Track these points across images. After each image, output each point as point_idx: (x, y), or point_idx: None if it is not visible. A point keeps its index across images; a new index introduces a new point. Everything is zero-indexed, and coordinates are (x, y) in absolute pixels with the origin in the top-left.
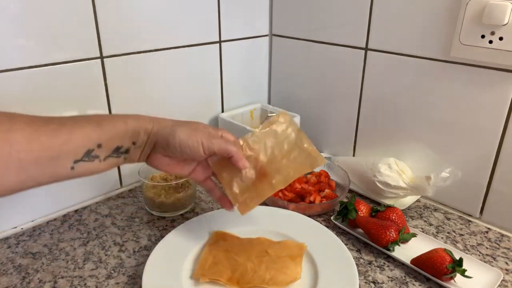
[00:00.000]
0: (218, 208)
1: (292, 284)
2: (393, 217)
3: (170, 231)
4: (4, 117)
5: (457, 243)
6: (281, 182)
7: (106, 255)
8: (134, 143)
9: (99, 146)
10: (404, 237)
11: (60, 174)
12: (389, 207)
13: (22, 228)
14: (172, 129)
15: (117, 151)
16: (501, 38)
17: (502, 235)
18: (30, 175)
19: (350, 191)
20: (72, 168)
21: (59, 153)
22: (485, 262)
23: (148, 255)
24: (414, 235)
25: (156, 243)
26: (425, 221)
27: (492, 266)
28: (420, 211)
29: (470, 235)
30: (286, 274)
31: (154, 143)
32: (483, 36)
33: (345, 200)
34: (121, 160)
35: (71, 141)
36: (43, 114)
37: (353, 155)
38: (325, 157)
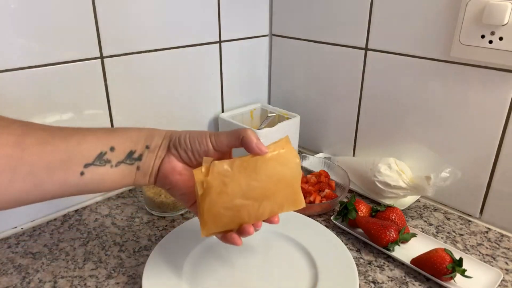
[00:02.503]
0: None
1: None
2: (393, 217)
3: (170, 231)
4: (18, 123)
5: (457, 243)
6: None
7: (106, 255)
8: (147, 147)
9: (112, 149)
10: (404, 237)
11: (69, 181)
12: (389, 207)
13: (22, 228)
14: (186, 131)
15: (130, 156)
16: (501, 38)
17: (502, 235)
18: (37, 183)
19: (350, 191)
20: (82, 173)
21: (71, 155)
22: (485, 262)
23: (148, 255)
24: (414, 235)
25: (156, 243)
26: (425, 221)
27: (492, 266)
28: (420, 211)
29: (470, 235)
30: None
31: (167, 146)
32: (483, 36)
33: (345, 200)
34: (133, 168)
35: (84, 142)
36: (41, 115)
37: (353, 155)
38: (325, 157)
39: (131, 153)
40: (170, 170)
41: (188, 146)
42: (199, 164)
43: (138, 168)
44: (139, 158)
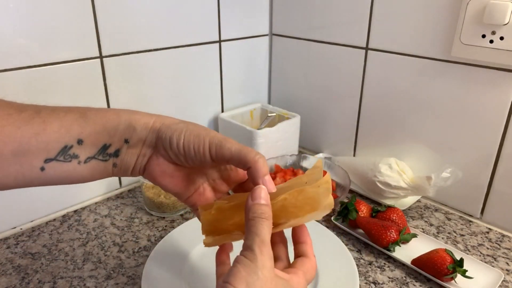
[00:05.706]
0: None
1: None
2: (394, 218)
3: (169, 232)
4: None
5: (457, 243)
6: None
7: (105, 255)
8: (126, 141)
9: (80, 142)
10: (404, 238)
11: (27, 176)
12: (389, 207)
13: (21, 229)
14: (179, 126)
15: (103, 151)
16: (502, 38)
17: (503, 236)
18: None
19: (351, 191)
20: (42, 169)
21: (27, 148)
22: (485, 262)
23: (147, 256)
24: (414, 235)
25: (156, 244)
26: (425, 221)
27: (493, 266)
28: (421, 211)
29: (470, 235)
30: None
31: (155, 144)
32: (483, 36)
33: (346, 200)
34: (108, 165)
35: (44, 133)
36: None
37: (354, 155)
38: (325, 157)
39: (104, 147)
40: (159, 173)
41: (181, 152)
42: (194, 167)
43: (114, 165)
44: (116, 154)
